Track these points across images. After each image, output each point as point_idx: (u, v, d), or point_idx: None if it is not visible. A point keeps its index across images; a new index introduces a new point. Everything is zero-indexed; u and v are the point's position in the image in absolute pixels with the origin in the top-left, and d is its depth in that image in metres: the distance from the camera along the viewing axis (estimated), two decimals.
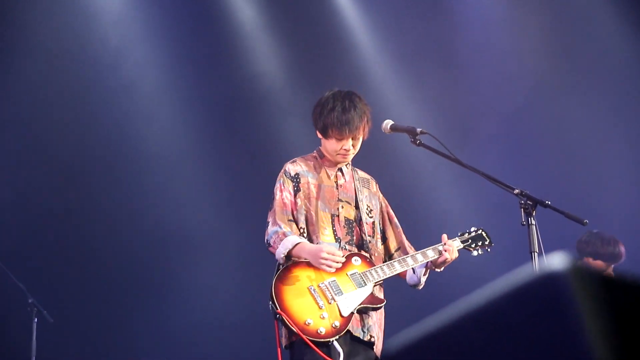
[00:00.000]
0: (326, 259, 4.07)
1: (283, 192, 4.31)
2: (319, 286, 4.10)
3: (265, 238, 4.22)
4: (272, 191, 4.38)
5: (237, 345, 7.45)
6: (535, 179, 6.56)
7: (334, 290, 4.10)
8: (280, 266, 4.18)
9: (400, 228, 4.53)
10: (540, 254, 3.80)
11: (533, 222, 3.85)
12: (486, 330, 1.04)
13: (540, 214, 3.85)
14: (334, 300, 4.07)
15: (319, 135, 4.40)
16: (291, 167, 4.38)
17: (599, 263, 5.87)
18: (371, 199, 4.48)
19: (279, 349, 4.10)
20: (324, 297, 4.08)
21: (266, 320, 7.25)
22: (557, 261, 0.99)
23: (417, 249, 4.43)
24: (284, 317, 3.98)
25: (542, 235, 3.82)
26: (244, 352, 7.39)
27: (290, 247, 4.13)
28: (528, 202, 3.89)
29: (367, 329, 4.19)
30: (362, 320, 4.18)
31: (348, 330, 4.11)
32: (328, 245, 4.16)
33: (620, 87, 7.65)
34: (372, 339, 4.19)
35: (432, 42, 7.90)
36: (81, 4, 7.61)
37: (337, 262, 4.10)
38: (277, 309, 4.00)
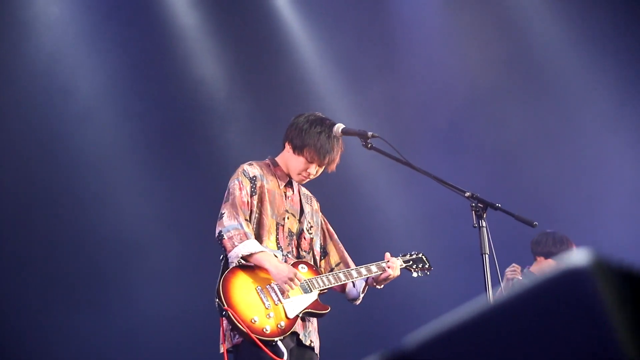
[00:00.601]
0: (292, 281, 4.09)
1: (242, 191, 4.27)
2: (265, 287, 4.12)
3: (219, 229, 4.16)
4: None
5: (177, 349, 7.39)
6: (478, 182, 6.67)
7: (280, 292, 4.13)
8: (229, 264, 4.16)
9: (341, 244, 4.61)
10: (491, 255, 3.85)
11: (484, 224, 3.91)
12: (509, 327, 1.05)
13: (490, 217, 3.91)
14: (280, 302, 4.11)
15: (288, 149, 4.40)
16: (249, 169, 4.37)
17: (550, 262, 5.98)
18: (313, 216, 4.52)
19: (224, 346, 4.08)
20: (270, 297, 4.11)
21: (206, 325, 7.26)
22: (580, 257, 1.00)
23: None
24: (231, 314, 3.96)
25: (492, 237, 3.88)
26: (184, 356, 7.33)
27: (254, 251, 4.10)
28: (479, 204, 3.95)
29: (308, 334, 4.26)
30: (304, 325, 4.23)
31: (296, 332, 4.16)
32: (294, 269, 4.18)
33: (560, 90, 7.83)
34: (312, 344, 4.27)
35: (373, 46, 7.97)
36: (15, 9, 7.46)
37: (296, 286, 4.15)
38: (224, 305, 3.98)
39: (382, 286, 4.47)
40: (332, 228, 4.67)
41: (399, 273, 4.44)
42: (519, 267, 5.94)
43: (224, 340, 4.11)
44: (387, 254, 4.45)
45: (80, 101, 7.57)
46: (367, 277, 4.42)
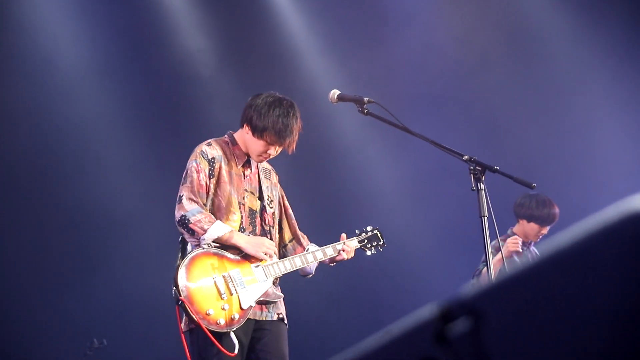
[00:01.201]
0: (269, 249, 4.18)
1: (200, 173, 4.25)
2: (223, 276, 4.12)
3: (182, 213, 4.14)
4: (184, 166, 4.33)
5: (161, 325, 7.37)
6: (468, 147, 6.71)
7: (237, 282, 4.14)
8: (192, 248, 4.17)
9: (294, 219, 4.63)
10: (490, 218, 3.88)
11: (482, 187, 3.94)
12: (570, 273, 1.05)
13: (489, 180, 3.94)
14: (236, 292, 4.12)
15: (247, 130, 4.35)
16: (208, 150, 4.31)
17: (532, 225, 6.01)
18: (272, 190, 4.52)
19: (182, 334, 4.14)
20: (227, 288, 4.11)
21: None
22: None
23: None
24: (186, 305, 3.99)
25: (491, 199, 3.91)
26: (164, 332, 7.32)
27: (222, 233, 4.13)
28: (477, 167, 3.98)
29: (272, 309, 4.31)
30: (265, 306, 4.27)
31: (251, 319, 4.21)
32: (265, 238, 4.26)
33: (550, 54, 7.85)
34: (281, 315, 4.34)
35: (361, 15, 7.94)
36: None
37: (274, 255, 4.24)
38: (180, 295, 4.00)
39: (334, 264, 4.56)
40: (290, 203, 4.69)
41: (352, 255, 4.54)
42: (520, 240, 5.94)
43: (181, 323, 4.15)
44: (343, 235, 4.53)
45: (64, 72, 7.49)
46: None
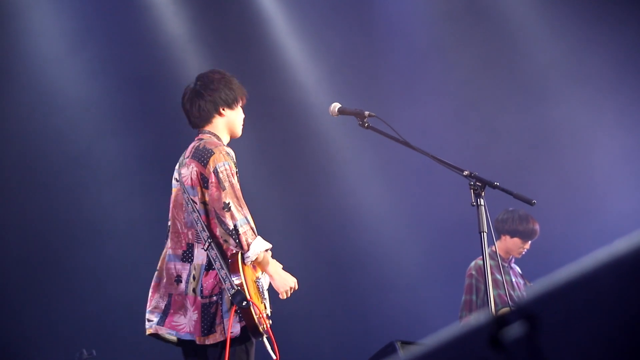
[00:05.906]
0: (289, 291, 4.08)
1: (235, 177, 4.07)
2: (258, 278, 4.11)
3: (234, 222, 3.90)
4: (223, 171, 4.01)
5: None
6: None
7: (265, 284, 4.14)
8: (244, 259, 3.97)
9: None
10: (489, 233, 3.91)
11: (482, 202, 3.96)
12: (627, 278, 1.08)
13: (489, 195, 3.97)
14: (265, 299, 4.10)
15: (224, 113, 4.20)
16: (230, 152, 4.15)
17: (516, 241, 6.07)
18: None
19: (229, 338, 3.89)
20: (261, 292, 4.10)
21: None
22: None
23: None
24: (252, 306, 3.85)
25: (491, 215, 3.95)
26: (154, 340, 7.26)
27: (259, 251, 3.96)
28: (477, 183, 3.99)
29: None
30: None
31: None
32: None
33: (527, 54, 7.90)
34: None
35: (352, 32, 7.97)
36: None
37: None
38: (248, 297, 3.87)
39: None
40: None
41: None
42: None
43: (231, 328, 3.89)
44: None
45: (45, 69, 7.37)
46: None
